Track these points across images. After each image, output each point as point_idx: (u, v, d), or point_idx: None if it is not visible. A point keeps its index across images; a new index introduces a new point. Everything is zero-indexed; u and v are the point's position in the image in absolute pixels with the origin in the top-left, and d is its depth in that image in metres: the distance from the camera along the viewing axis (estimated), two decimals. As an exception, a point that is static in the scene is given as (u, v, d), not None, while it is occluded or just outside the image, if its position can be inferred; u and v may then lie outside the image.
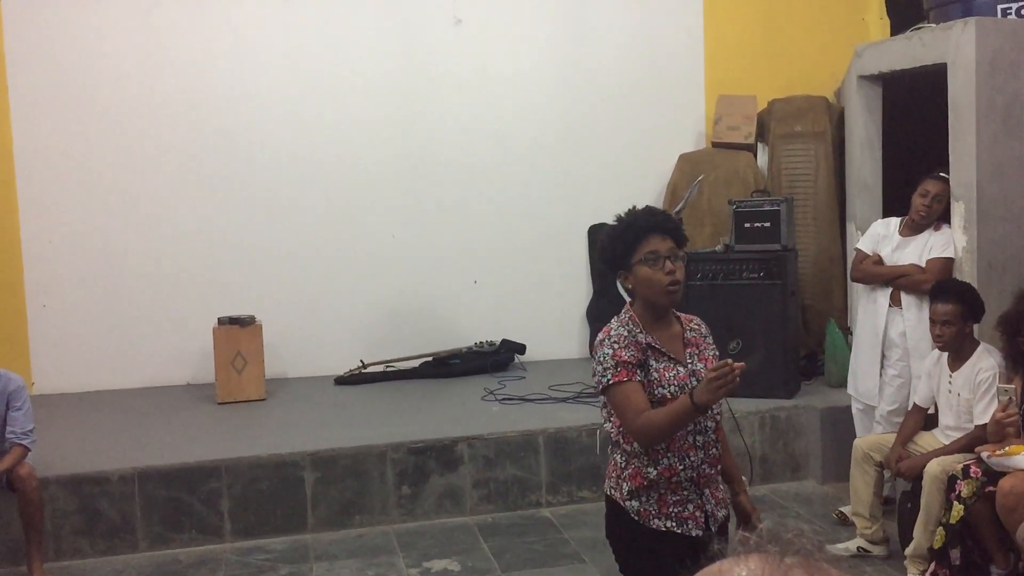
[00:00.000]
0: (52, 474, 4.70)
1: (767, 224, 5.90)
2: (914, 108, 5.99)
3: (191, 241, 6.76)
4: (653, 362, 2.60)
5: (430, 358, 6.78)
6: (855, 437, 4.86)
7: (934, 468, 4.06)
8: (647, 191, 7.38)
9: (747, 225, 5.95)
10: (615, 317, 2.71)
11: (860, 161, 6.08)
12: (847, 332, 6.04)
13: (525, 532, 4.95)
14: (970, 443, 4.11)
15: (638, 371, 2.56)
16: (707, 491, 2.65)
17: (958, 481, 3.91)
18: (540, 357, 7.18)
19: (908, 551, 4.19)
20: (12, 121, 6.51)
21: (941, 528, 3.95)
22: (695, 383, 2.56)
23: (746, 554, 0.83)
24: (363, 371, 6.59)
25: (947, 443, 4.26)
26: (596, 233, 7.36)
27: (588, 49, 7.27)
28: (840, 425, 5.40)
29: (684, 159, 7.11)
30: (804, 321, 6.53)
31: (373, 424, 5.50)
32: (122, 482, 4.77)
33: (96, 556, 4.71)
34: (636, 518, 2.63)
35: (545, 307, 7.27)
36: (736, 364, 2.36)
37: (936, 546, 3.96)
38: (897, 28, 6.58)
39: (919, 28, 5.66)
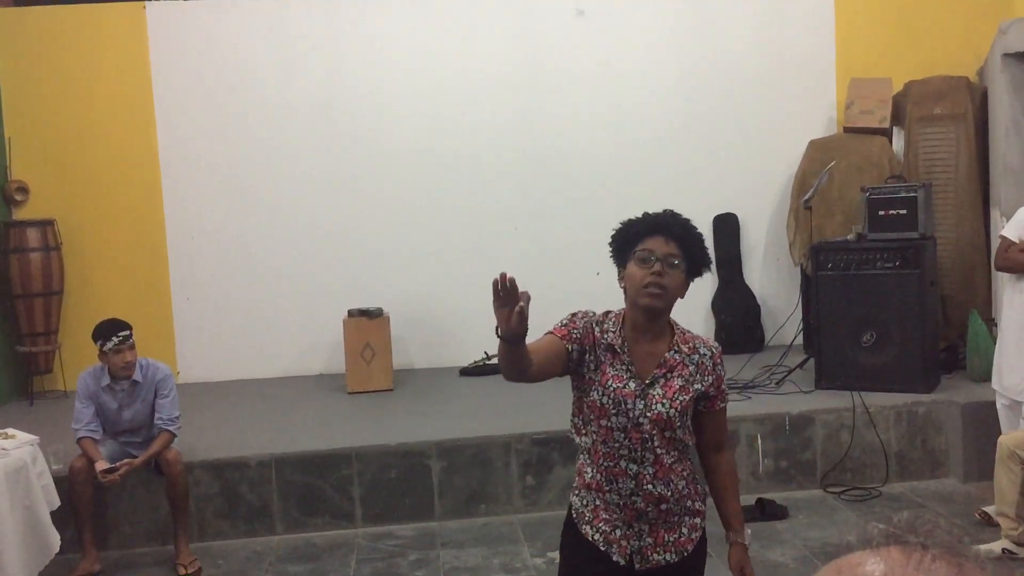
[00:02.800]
0: (196, 459, 4.95)
1: (903, 211, 5.66)
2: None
3: (323, 237, 7.00)
4: (604, 364, 2.34)
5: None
6: (1000, 434, 4.61)
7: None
8: (774, 180, 7.21)
9: (882, 213, 5.72)
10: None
11: (1005, 144, 5.76)
12: (991, 324, 5.74)
13: (650, 525, 4.91)
14: None
15: (569, 341, 2.32)
16: (642, 526, 2.35)
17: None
18: (664, 349, 7.10)
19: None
20: (158, 126, 6.88)
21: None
22: (641, 407, 2.30)
23: (884, 545, 0.78)
24: (487, 363, 6.67)
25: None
26: (721, 223, 7.22)
27: (712, 36, 7.14)
28: (984, 421, 5.13)
29: (814, 146, 6.89)
30: (944, 312, 6.24)
31: (497, 415, 5.56)
32: (260, 467, 4.99)
33: (237, 538, 4.94)
34: (573, 516, 2.46)
35: (669, 299, 7.17)
36: (506, 276, 2.07)
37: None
38: (1046, 1, 6.20)
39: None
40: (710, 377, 2.40)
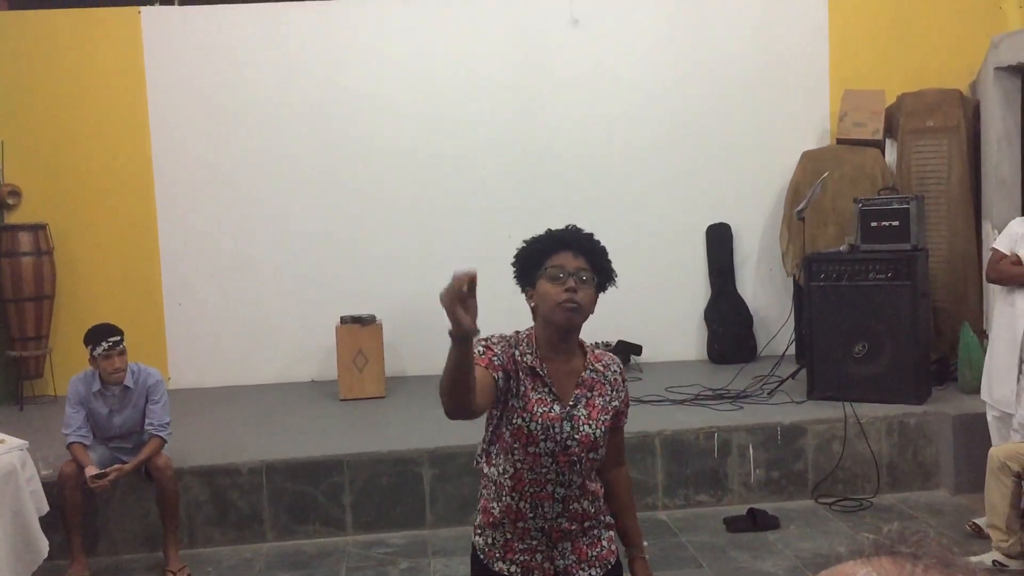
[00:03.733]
0: (187, 465, 4.93)
1: (896, 223, 5.68)
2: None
3: (316, 243, 6.99)
4: (527, 389, 2.28)
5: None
6: (990, 446, 4.62)
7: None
8: (768, 190, 7.22)
9: (874, 224, 5.74)
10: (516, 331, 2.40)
11: (997, 156, 5.79)
12: (982, 336, 5.76)
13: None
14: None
15: (492, 370, 2.23)
16: (565, 545, 2.33)
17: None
18: (657, 359, 7.11)
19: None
20: (151, 131, 6.87)
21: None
22: (568, 429, 2.26)
23: (875, 556, 0.78)
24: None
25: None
26: (714, 233, 7.24)
27: (707, 45, 7.16)
28: (974, 433, 5.15)
29: (807, 156, 6.92)
30: (935, 324, 6.26)
31: (490, 423, 5.54)
32: (251, 474, 4.97)
33: (227, 544, 4.92)
34: (481, 556, 2.36)
35: (662, 308, 7.20)
36: (469, 275, 2.04)
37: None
38: (1038, 15, 6.24)
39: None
40: (622, 393, 2.39)
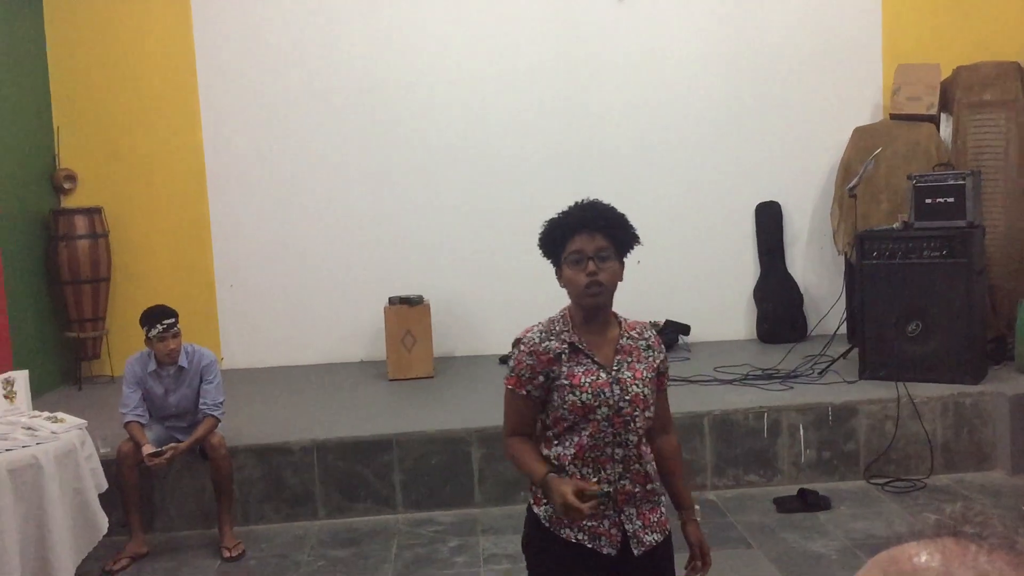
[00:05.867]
0: (240, 444, 5.02)
1: (951, 199, 5.56)
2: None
3: (365, 225, 7.04)
4: (569, 365, 2.39)
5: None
6: (1050, 426, 4.53)
7: None
8: (818, 167, 7.12)
9: (928, 201, 5.62)
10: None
11: (1057, 130, 5.62)
12: (1041, 314, 5.62)
13: (690, 515, 4.89)
14: None
15: (530, 384, 2.40)
16: (631, 511, 2.41)
17: None
18: (706, 338, 7.07)
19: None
20: (202, 115, 6.96)
21: None
22: (617, 391, 2.37)
23: (938, 536, 0.75)
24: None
25: None
26: (764, 212, 7.15)
27: (757, 21, 7.05)
28: (1033, 413, 5.04)
29: (859, 133, 6.79)
30: (992, 302, 6.13)
31: (537, 403, 5.55)
32: (303, 453, 5.04)
33: (280, 522, 5.01)
34: (547, 524, 2.43)
35: (711, 287, 7.14)
36: (588, 507, 2.24)
37: None
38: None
39: None
40: (661, 354, 2.51)
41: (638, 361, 2.44)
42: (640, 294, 7.12)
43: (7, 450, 3.78)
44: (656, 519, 2.45)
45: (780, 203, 7.16)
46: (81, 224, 6.63)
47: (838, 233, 6.83)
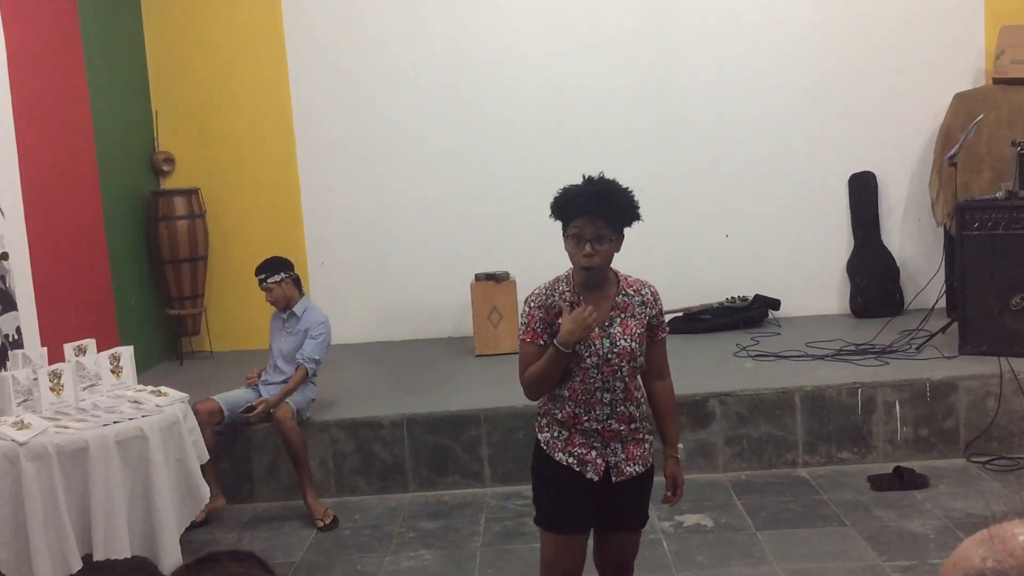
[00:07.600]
0: (333, 418, 5.15)
1: (1059, 166, 5.30)
2: None
3: (451, 203, 7.10)
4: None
5: (680, 313, 6.73)
6: None
7: None
8: (916, 135, 6.88)
9: (1034, 168, 5.37)
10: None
11: None
12: None
13: (780, 491, 4.83)
14: None
15: (544, 335, 2.79)
16: (616, 445, 2.81)
17: None
18: (796, 313, 6.93)
19: None
20: (292, 100, 7.10)
21: None
22: (608, 344, 2.75)
23: None
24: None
25: None
26: (857, 182, 6.95)
27: (849, -15, 6.81)
28: None
29: (960, 98, 6.53)
30: (1103, 274, 5.83)
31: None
32: (393, 427, 5.14)
33: (372, 494, 5.12)
34: (544, 448, 2.86)
35: (802, 261, 6.98)
36: (588, 309, 2.66)
37: None
38: None
39: None
40: (654, 309, 2.87)
41: (631, 316, 2.81)
42: (729, 268, 7.02)
43: (115, 422, 3.95)
44: (639, 453, 2.86)
45: (875, 173, 6.94)
46: (180, 205, 6.85)
47: (937, 203, 6.60)
